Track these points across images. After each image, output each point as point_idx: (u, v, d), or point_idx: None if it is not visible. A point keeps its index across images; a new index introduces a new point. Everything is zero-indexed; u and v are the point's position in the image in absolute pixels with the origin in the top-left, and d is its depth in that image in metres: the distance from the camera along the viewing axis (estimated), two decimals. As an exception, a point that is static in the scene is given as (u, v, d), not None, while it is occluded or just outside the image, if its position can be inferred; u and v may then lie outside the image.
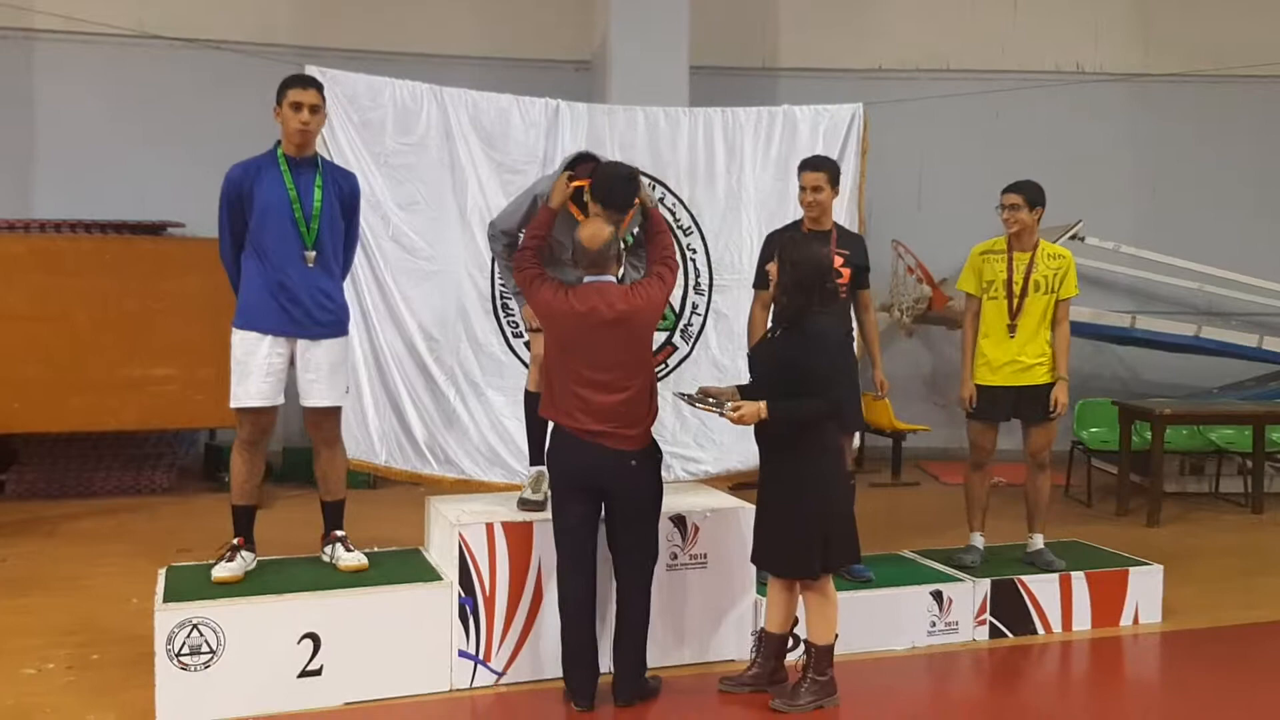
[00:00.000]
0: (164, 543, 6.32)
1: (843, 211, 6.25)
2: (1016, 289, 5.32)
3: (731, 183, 6.12)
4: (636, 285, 4.22)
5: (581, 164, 4.44)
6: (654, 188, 5.98)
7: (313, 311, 4.42)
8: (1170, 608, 5.45)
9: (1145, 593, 5.35)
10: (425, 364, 5.67)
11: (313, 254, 4.38)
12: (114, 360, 7.62)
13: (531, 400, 4.81)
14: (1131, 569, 5.36)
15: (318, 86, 4.41)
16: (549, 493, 4.72)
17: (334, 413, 4.62)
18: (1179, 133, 10.17)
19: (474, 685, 4.40)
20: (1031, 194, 5.35)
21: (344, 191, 4.54)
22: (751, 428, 4.28)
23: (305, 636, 4.16)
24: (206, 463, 8.67)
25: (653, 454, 4.23)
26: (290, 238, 4.35)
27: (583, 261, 4.16)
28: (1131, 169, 10.20)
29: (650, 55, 8.34)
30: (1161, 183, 10.21)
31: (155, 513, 7.55)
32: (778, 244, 4.50)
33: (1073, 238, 8.73)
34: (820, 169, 5.04)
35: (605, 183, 4.19)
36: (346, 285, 5.43)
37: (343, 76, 5.54)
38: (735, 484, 6.01)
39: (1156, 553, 5.98)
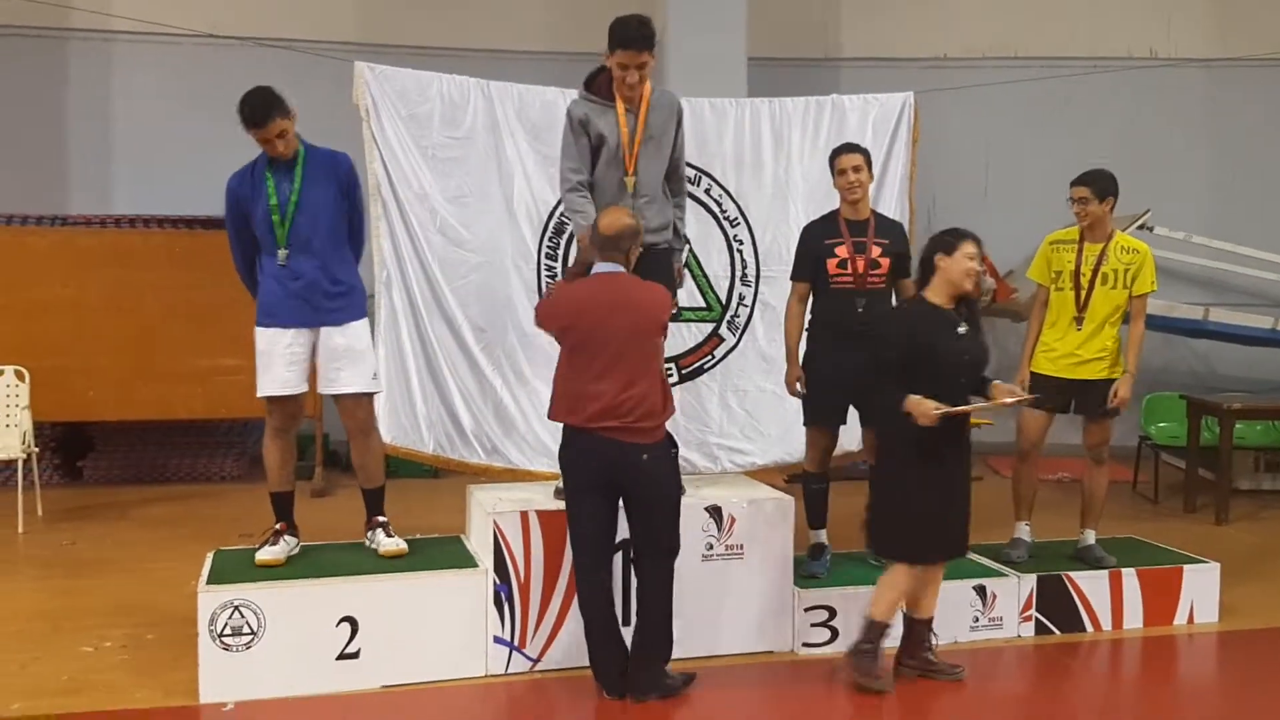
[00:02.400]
0: (228, 528, 6.46)
1: (894, 201, 6.20)
2: (1084, 281, 5.19)
3: (779, 172, 6.07)
4: (647, 281, 4.25)
5: (604, 73, 4.61)
6: (699, 178, 5.97)
7: (321, 300, 4.52)
8: (1229, 607, 5.30)
9: (1201, 591, 5.20)
10: (473, 354, 5.71)
11: (284, 253, 4.47)
12: (183, 351, 7.85)
13: None
14: (1186, 567, 5.22)
15: (280, 113, 4.43)
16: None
17: (365, 400, 4.70)
18: (1259, 119, 9.85)
19: (509, 671, 4.46)
20: (1100, 185, 5.21)
21: (339, 176, 4.59)
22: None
23: (343, 620, 4.26)
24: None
25: (667, 448, 4.24)
26: (273, 238, 4.48)
27: (596, 241, 4.21)
28: (1209, 156, 9.90)
29: (708, 47, 8.30)
30: (1240, 170, 9.89)
31: (223, 499, 7.77)
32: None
33: (1140, 227, 8.50)
34: (856, 151, 5.02)
35: (620, 28, 4.42)
36: (395, 276, 5.62)
37: (391, 72, 5.61)
38: (790, 476, 5.97)
39: (1221, 551, 5.81)
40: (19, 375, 7.13)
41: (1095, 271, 5.19)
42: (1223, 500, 7.26)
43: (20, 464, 6.84)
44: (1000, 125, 9.80)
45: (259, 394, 4.61)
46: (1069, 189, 5.31)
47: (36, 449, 7.13)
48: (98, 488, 8.13)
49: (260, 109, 4.38)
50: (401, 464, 6.46)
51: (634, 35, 4.42)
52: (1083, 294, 5.19)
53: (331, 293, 4.55)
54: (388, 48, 9.16)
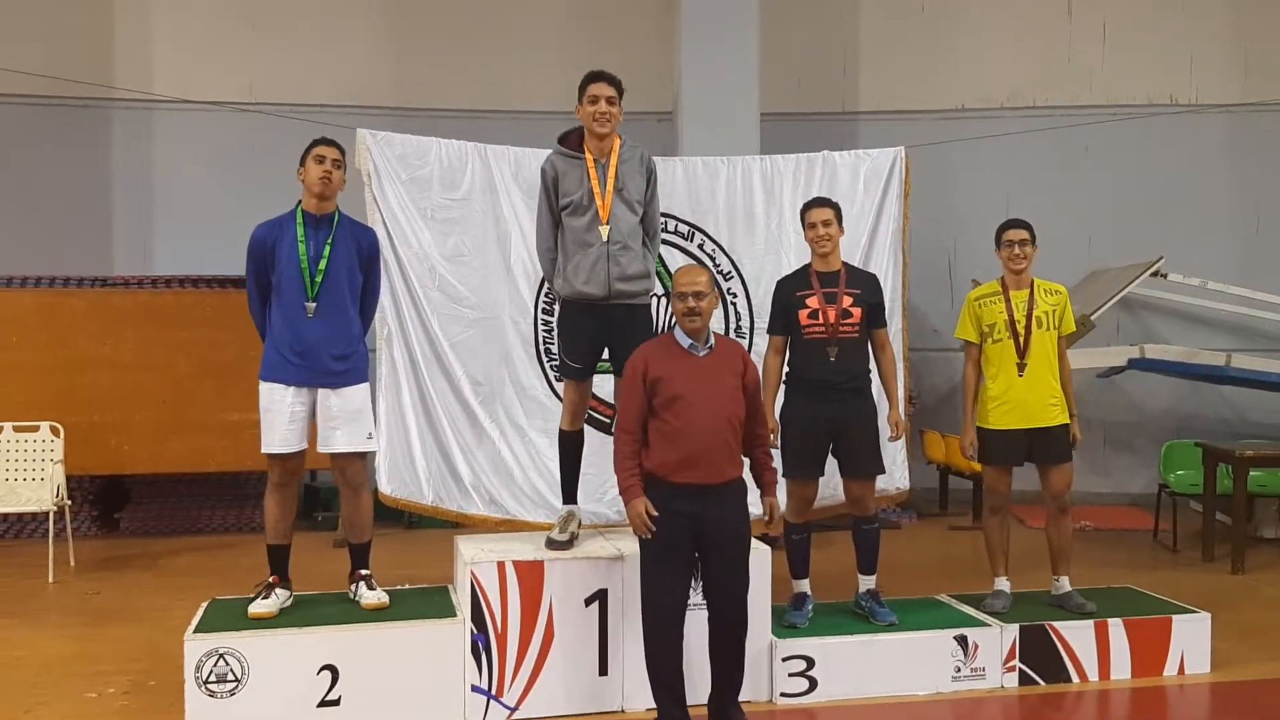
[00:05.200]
0: (249, 578, 6.58)
1: (887, 254, 6.27)
2: (1020, 328, 5.27)
3: (771, 228, 6.20)
4: None
5: (576, 131, 4.95)
6: (692, 233, 6.12)
7: (327, 362, 4.69)
8: (1225, 658, 5.24)
9: (1192, 642, 5.15)
10: (471, 408, 5.88)
11: (313, 305, 4.65)
12: (212, 406, 8.13)
13: (566, 439, 5.00)
14: (1176, 617, 5.18)
15: (340, 148, 4.76)
16: (576, 534, 4.90)
17: (358, 459, 4.86)
18: (1284, 162, 9.76)
19: None
20: (1033, 230, 5.37)
21: (362, 246, 4.83)
22: None
23: (324, 668, 4.41)
24: (305, 503, 9.10)
25: None
26: (300, 291, 4.64)
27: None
28: (1231, 202, 9.79)
29: (720, 105, 8.49)
30: (1265, 216, 9.77)
31: (249, 550, 7.96)
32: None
33: (1154, 274, 8.47)
34: (827, 205, 5.17)
35: (589, 72, 4.85)
36: (396, 333, 5.81)
37: (393, 138, 5.85)
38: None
39: (1232, 600, 5.77)
40: (54, 430, 7.45)
41: (1029, 317, 5.27)
42: (1239, 549, 7.14)
43: (52, 516, 7.12)
44: (1019, 174, 9.82)
45: (263, 450, 4.80)
46: (1004, 233, 5.36)
47: (70, 502, 7.43)
48: (133, 539, 8.41)
49: (331, 138, 4.80)
50: (426, 516, 6.54)
51: (602, 72, 4.83)
52: (1022, 340, 5.25)
53: (335, 355, 4.73)
54: (418, 111, 9.52)
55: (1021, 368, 5.25)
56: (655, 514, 4.18)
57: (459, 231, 5.91)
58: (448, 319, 5.88)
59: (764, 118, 8.68)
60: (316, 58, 9.83)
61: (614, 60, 10.05)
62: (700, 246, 6.14)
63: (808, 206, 5.20)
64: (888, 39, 10.23)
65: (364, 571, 4.90)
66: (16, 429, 7.46)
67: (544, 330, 5.98)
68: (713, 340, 4.33)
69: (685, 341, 4.29)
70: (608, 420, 6.03)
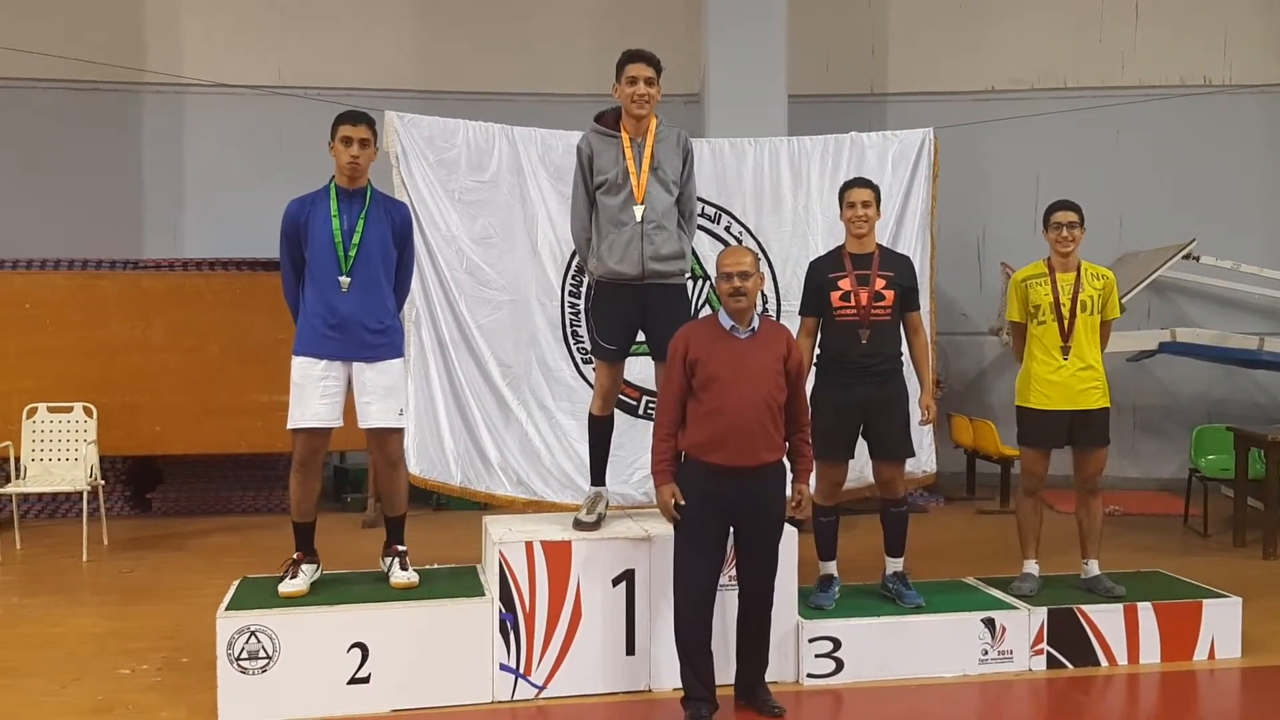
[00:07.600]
0: (279, 557, 6.64)
1: (915, 236, 6.25)
2: (1065, 311, 5.22)
3: (798, 209, 6.19)
4: None
5: (612, 110, 4.84)
6: (719, 216, 6.11)
7: (362, 335, 4.66)
8: (1256, 643, 5.20)
9: (1222, 626, 5.11)
10: (499, 389, 5.91)
11: (346, 280, 4.62)
12: (243, 387, 8.18)
13: (595, 423, 5.00)
14: (1206, 601, 5.14)
15: (368, 122, 4.68)
16: (603, 515, 4.91)
17: (394, 434, 4.86)
18: (1321, 144, 9.63)
19: (515, 698, 4.59)
20: (1082, 212, 5.29)
21: (394, 221, 4.78)
22: None
23: (354, 646, 4.45)
24: (334, 484, 9.17)
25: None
26: (334, 266, 4.63)
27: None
28: (1267, 183, 9.68)
29: (748, 87, 8.45)
30: (1302, 197, 9.68)
31: (280, 530, 7.91)
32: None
33: (1186, 257, 8.39)
34: (868, 186, 5.12)
35: (628, 51, 4.73)
36: (424, 315, 5.84)
37: (420, 119, 5.87)
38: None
39: (1264, 586, 5.74)
40: (87, 411, 7.54)
41: (1074, 300, 5.22)
42: (1271, 534, 7.08)
43: (85, 495, 7.21)
44: (1050, 156, 9.74)
45: (289, 426, 4.78)
46: (1052, 215, 5.32)
47: (103, 482, 7.52)
48: (165, 519, 8.51)
49: (359, 111, 4.73)
50: (454, 498, 6.60)
51: (642, 51, 4.72)
52: (1066, 323, 5.21)
53: (371, 329, 4.69)
54: (444, 94, 9.53)
55: (1065, 350, 5.22)
56: (682, 503, 4.20)
57: (486, 214, 5.93)
58: (475, 301, 5.91)
59: (792, 99, 8.62)
60: (346, 41, 9.88)
61: (642, 42, 9.95)
62: (727, 229, 6.14)
63: (848, 186, 5.16)
64: (916, 20, 10.17)
65: (400, 547, 4.91)
66: (51, 410, 7.56)
67: (571, 313, 6.00)
68: (756, 322, 4.32)
69: (727, 323, 4.28)
70: (634, 402, 6.06)
